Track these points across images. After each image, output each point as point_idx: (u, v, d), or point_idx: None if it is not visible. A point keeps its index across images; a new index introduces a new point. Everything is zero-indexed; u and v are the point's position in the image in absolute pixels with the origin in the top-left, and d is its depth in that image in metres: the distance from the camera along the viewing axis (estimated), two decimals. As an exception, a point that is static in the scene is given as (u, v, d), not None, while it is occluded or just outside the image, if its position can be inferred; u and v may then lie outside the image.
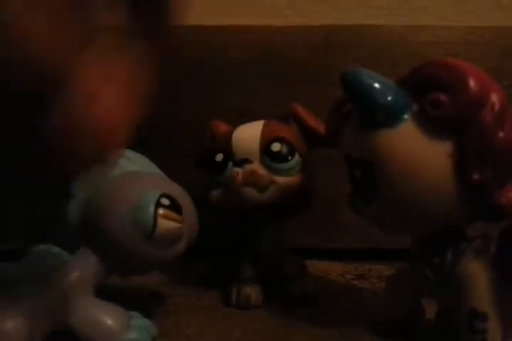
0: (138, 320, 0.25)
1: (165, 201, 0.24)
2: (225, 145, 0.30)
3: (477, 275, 0.22)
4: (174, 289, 0.32)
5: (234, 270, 0.31)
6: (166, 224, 0.24)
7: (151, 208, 0.24)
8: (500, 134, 0.21)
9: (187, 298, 0.31)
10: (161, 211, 0.24)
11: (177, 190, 0.26)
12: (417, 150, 0.22)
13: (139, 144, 0.28)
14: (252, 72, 0.39)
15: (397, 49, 0.38)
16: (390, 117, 0.22)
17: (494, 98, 0.21)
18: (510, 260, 0.22)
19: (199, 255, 0.30)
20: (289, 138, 0.29)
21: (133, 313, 0.25)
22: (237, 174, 0.28)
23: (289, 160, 0.29)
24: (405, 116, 0.22)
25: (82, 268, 0.25)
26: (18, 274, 0.24)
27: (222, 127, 0.31)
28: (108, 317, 0.24)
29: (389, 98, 0.22)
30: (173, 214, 0.24)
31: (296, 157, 0.29)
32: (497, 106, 0.21)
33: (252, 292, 0.30)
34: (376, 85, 0.22)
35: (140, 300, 0.28)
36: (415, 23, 0.39)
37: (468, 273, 0.23)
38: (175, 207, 0.25)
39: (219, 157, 0.29)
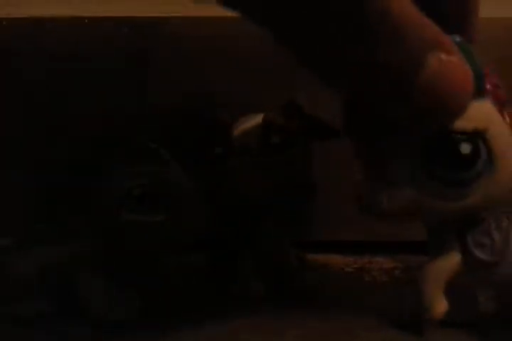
0: (122, 298, 0.27)
1: (136, 192, 0.26)
2: (225, 138, 0.29)
3: None
4: (173, 281, 0.32)
5: (233, 262, 0.31)
6: (128, 215, 0.25)
7: (117, 198, 0.26)
8: None
9: (186, 291, 0.31)
10: (126, 202, 0.25)
11: (174, 183, 0.27)
12: (504, 121, 0.22)
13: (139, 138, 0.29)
14: (253, 64, 0.38)
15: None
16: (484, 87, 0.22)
17: None
18: None
19: (199, 247, 0.30)
20: (290, 130, 0.29)
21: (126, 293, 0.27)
22: (239, 167, 0.28)
23: (289, 153, 0.29)
24: None
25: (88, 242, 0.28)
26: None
27: (222, 119, 0.31)
28: (97, 290, 0.27)
29: None
30: (139, 207, 0.25)
31: (298, 150, 0.29)
32: None
33: (253, 285, 0.30)
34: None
35: (139, 293, 0.28)
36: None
37: None
38: (148, 200, 0.26)
39: (218, 150, 0.29)
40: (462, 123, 0.22)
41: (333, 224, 0.38)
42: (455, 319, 0.25)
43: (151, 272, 0.30)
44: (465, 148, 0.22)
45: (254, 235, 0.30)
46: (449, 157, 0.22)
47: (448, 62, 0.19)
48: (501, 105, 0.23)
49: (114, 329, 0.26)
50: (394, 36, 0.18)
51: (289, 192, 0.29)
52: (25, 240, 0.29)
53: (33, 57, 0.37)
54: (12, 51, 0.36)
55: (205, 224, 0.28)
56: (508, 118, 0.23)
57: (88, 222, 0.28)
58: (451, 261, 0.24)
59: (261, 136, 0.29)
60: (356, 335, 0.26)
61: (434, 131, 0.22)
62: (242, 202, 0.29)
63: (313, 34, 0.19)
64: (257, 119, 0.30)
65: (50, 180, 0.35)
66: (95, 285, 0.27)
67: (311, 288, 0.30)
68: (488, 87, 0.22)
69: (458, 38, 0.21)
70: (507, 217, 0.24)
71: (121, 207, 0.25)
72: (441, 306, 0.24)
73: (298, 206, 0.31)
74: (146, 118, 0.38)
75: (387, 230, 0.28)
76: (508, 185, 0.22)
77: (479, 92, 0.22)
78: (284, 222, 0.31)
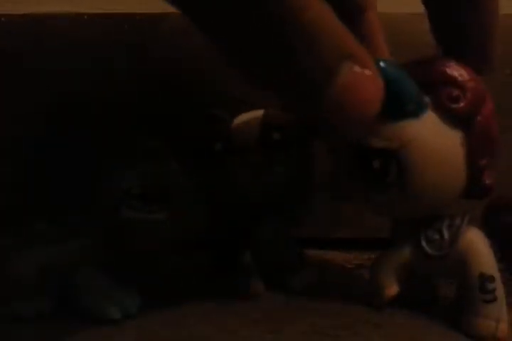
0: (122, 296, 0.27)
1: (136, 190, 0.26)
2: (224, 134, 0.29)
3: (478, 245, 0.26)
4: (173, 278, 0.32)
5: (233, 260, 0.31)
6: (127, 213, 0.25)
7: (116, 196, 0.26)
8: (494, 126, 0.25)
9: (186, 288, 0.31)
10: (125, 200, 0.26)
11: (174, 182, 0.27)
12: (438, 139, 0.24)
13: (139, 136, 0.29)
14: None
15: (402, 37, 0.38)
16: (417, 108, 0.24)
17: (488, 96, 0.24)
18: (495, 231, 0.27)
19: (199, 245, 0.30)
20: (290, 127, 0.29)
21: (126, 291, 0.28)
22: (239, 165, 0.28)
23: (289, 150, 0.29)
24: (425, 107, 0.24)
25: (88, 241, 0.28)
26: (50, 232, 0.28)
27: (220, 116, 0.31)
28: (97, 288, 0.27)
29: (416, 89, 0.23)
30: (138, 205, 0.26)
31: (297, 147, 0.29)
32: (490, 104, 0.25)
33: (253, 282, 0.30)
34: (406, 76, 0.23)
35: (140, 290, 0.28)
36: (421, 10, 0.39)
37: (471, 245, 0.26)
38: (148, 197, 0.26)
39: (218, 146, 0.29)
40: (376, 142, 0.24)
41: (333, 222, 0.38)
42: (416, 301, 0.28)
43: (151, 271, 0.30)
44: (376, 164, 0.25)
45: (255, 233, 0.30)
46: (366, 168, 0.25)
47: (361, 74, 0.20)
48: (458, 118, 0.24)
49: (114, 329, 0.26)
50: (309, 42, 0.18)
51: (289, 190, 0.29)
52: (25, 240, 0.29)
53: (33, 53, 0.37)
54: (11, 48, 0.36)
55: (205, 222, 0.28)
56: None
57: (88, 221, 0.28)
58: (402, 253, 0.27)
59: (261, 133, 0.29)
60: (356, 331, 0.26)
61: (352, 143, 0.25)
62: (242, 200, 0.29)
63: (233, 32, 0.19)
64: (256, 115, 0.30)
65: (50, 179, 0.35)
66: (95, 285, 0.27)
67: (311, 285, 0.30)
68: (439, 101, 0.24)
69: (383, 64, 0.22)
70: (461, 215, 0.26)
71: (121, 205, 0.25)
72: (390, 290, 0.27)
73: (298, 203, 0.31)
74: (146, 116, 0.38)
75: (387, 227, 0.28)
76: (420, 195, 0.25)
77: (407, 112, 0.23)
78: (284, 220, 0.31)
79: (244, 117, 0.30)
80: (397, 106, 0.23)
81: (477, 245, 0.26)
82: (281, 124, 0.29)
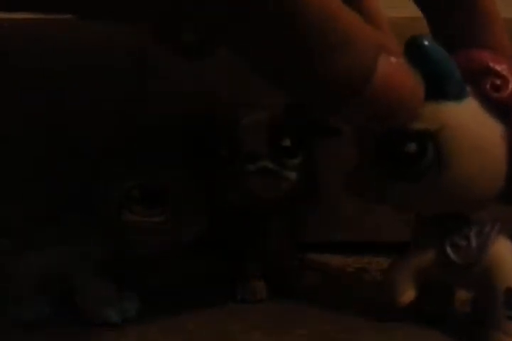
0: (121, 300, 0.27)
1: (135, 193, 0.25)
2: (231, 138, 0.28)
3: (507, 257, 0.24)
4: (175, 283, 0.32)
5: (236, 263, 0.31)
6: (128, 216, 0.25)
7: (116, 199, 0.26)
8: None
9: (188, 293, 0.31)
10: (125, 203, 0.25)
11: (175, 183, 0.27)
12: (478, 126, 0.22)
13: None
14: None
15: (403, 41, 0.38)
16: (459, 90, 0.22)
17: None
18: None
19: (201, 248, 0.30)
20: (297, 132, 0.28)
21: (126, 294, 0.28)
22: (253, 172, 0.27)
23: (298, 155, 0.28)
24: (466, 93, 0.23)
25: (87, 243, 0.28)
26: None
27: (224, 119, 0.30)
28: (97, 291, 0.27)
29: (458, 71, 0.22)
30: (138, 208, 0.25)
31: (304, 151, 0.28)
32: None
33: (258, 286, 0.30)
34: (448, 56, 0.22)
35: (140, 294, 0.28)
36: (414, 14, 0.39)
37: (499, 256, 0.24)
38: (148, 200, 0.26)
39: (224, 152, 0.28)
40: (415, 123, 0.22)
41: (334, 225, 0.38)
42: (431, 313, 0.27)
43: (151, 273, 0.30)
44: (411, 147, 0.22)
45: (257, 236, 0.30)
46: (397, 153, 0.23)
47: (398, 64, 0.19)
48: (498, 108, 0.22)
49: (113, 333, 0.26)
50: (344, 41, 0.17)
51: (291, 194, 0.28)
52: (25, 242, 0.29)
53: (34, 57, 0.37)
54: (13, 52, 0.36)
55: (206, 224, 0.28)
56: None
57: (88, 223, 0.28)
58: (423, 257, 0.25)
59: (271, 140, 0.28)
60: (356, 336, 0.26)
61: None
62: (245, 203, 0.29)
63: (265, 41, 0.17)
64: (262, 119, 0.28)
65: (50, 181, 0.35)
66: (95, 288, 0.27)
67: (313, 288, 0.30)
68: (481, 89, 0.22)
69: (427, 41, 0.22)
70: (492, 223, 0.25)
71: (121, 209, 0.25)
72: (407, 295, 0.25)
73: (300, 207, 0.31)
74: (146, 119, 0.38)
75: (387, 231, 0.28)
76: (456, 186, 0.23)
77: (449, 93, 0.22)
78: (286, 223, 0.31)
79: (250, 120, 0.29)
80: (440, 86, 0.22)
81: (506, 257, 0.24)
82: (290, 129, 0.28)
